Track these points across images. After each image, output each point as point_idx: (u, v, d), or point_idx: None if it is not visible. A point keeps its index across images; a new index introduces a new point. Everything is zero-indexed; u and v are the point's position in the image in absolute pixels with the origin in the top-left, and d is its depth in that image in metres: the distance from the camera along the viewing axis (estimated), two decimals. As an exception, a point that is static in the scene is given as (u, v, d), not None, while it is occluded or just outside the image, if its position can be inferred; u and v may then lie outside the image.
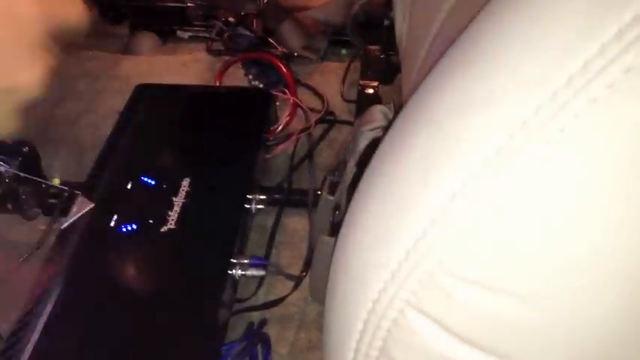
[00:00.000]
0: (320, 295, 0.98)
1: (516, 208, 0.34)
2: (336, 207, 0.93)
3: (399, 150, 0.41)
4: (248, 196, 1.03)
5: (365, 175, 0.47)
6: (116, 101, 1.33)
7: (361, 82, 1.22)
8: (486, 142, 0.34)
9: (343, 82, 1.38)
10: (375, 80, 1.20)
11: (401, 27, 0.83)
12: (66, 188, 1.10)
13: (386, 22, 1.31)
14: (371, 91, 1.18)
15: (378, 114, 0.91)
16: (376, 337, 0.40)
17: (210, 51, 1.51)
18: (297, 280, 0.99)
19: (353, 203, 0.47)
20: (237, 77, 1.40)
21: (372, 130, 0.89)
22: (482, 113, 0.34)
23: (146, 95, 1.23)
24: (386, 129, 0.89)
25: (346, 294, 0.44)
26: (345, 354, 0.43)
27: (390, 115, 0.90)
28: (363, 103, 1.17)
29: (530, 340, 0.37)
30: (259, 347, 0.90)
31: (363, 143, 0.90)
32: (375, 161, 0.46)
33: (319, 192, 1.12)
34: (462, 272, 0.36)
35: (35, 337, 0.81)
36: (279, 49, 1.42)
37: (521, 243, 0.34)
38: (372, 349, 0.41)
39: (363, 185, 0.46)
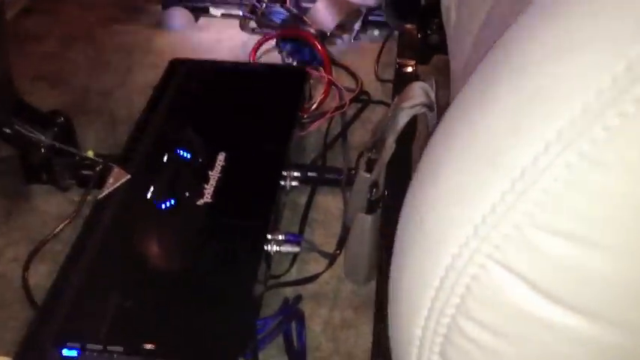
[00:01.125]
0: (355, 273, 0.98)
1: (619, 156, 0.32)
2: (374, 184, 0.92)
3: (484, 101, 0.39)
4: (282, 172, 1.02)
5: (440, 129, 0.45)
6: (150, 76, 1.34)
7: (398, 60, 1.21)
8: (589, 86, 0.32)
9: (377, 62, 1.36)
10: (412, 59, 1.19)
11: (447, 3, 0.82)
12: (100, 160, 1.10)
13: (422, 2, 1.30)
14: (409, 69, 1.17)
15: (418, 90, 0.90)
16: (454, 293, 0.39)
17: (243, 28, 1.50)
18: (332, 258, 0.99)
19: (425, 159, 0.45)
20: (271, 54, 1.39)
21: (413, 107, 0.89)
22: (584, 56, 0.33)
23: (180, 70, 1.22)
24: (428, 106, 0.88)
25: (421, 251, 0.42)
26: (418, 312, 0.42)
27: (432, 93, 0.89)
28: (400, 82, 1.16)
29: (617, 296, 0.35)
30: (293, 323, 0.90)
31: (403, 120, 0.89)
32: (452, 113, 0.44)
33: (353, 171, 1.12)
34: (554, 224, 0.35)
35: (68, 306, 0.82)
36: (313, 28, 1.41)
37: (620, 192, 0.33)
38: (449, 307, 0.40)
39: (438, 138, 0.44)
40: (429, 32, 1.21)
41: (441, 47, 1.25)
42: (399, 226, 0.47)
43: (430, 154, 0.44)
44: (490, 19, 0.59)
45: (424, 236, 0.41)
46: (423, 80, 0.90)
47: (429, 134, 0.91)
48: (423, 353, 0.43)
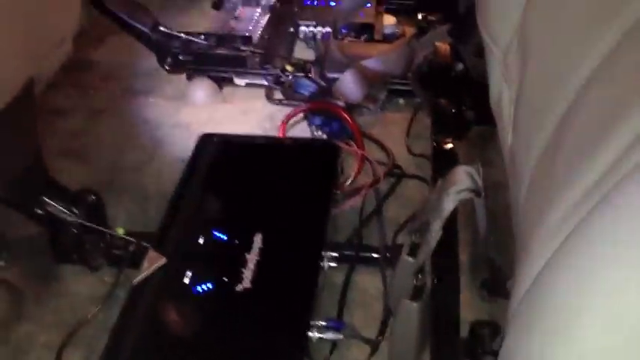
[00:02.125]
0: (404, 360, 0.95)
1: None
2: (419, 270, 0.90)
3: None
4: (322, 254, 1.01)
5: None
6: (178, 149, 1.33)
7: (434, 137, 1.20)
8: None
9: (407, 134, 1.36)
10: (448, 135, 1.18)
11: (499, 90, 0.81)
12: (133, 240, 1.08)
13: (452, 74, 1.30)
14: (450, 146, 1.16)
15: (463, 175, 0.89)
16: None
17: (269, 99, 1.50)
18: (374, 345, 0.96)
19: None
20: (300, 127, 1.39)
21: (459, 192, 0.87)
22: None
23: (211, 145, 1.22)
24: (474, 192, 0.87)
25: None
26: None
27: (477, 178, 0.88)
28: (439, 160, 1.15)
29: None
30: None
31: (449, 206, 0.87)
32: None
33: (390, 249, 1.10)
34: None
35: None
36: (341, 99, 1.41)
37: None
38: None
39: None
40: (463, 108, 1.21)
41: (478, 121, 1.26)
42: None
43: None
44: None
45: None
46: (466, 163, 0.89)
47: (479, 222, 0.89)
48: None
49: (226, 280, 0.93)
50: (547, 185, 0.55)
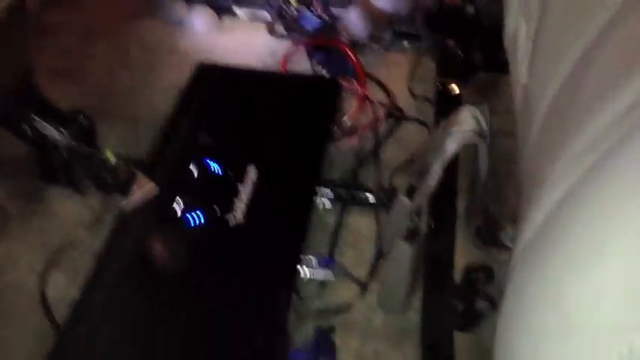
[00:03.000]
0: (390, 302, 0.94)
1: None
2: (415, 211, 0.88)
3: None
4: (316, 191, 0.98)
5: None
6: (173, 76, 1.28)
7: (439, 79, 1.17)
8: None
9: (410, 76, 1.32)
10: (453, 78, 1.14)
11: (515, 26, 0.77)
12: (122, 164, 1.05)
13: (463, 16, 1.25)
14: (454, 88, 1.13)
15: (468, 117, 0.85)
16: None
17: (272, 32, 1.45)
18: (364, 286, 0.95)
19: None
20: (301, 62, 1.35)
21: (462, 133, 0.84)
22: None
23: (208, 75, 1.18)
24: (479, 134, 0.84)
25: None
26: None
27: (483, 120, 0.85)
28: (442, 103, 1.11)
29: None
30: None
31: (451, 147, 0.84)
32: None
33: (385, 191, 1.08)
34: None
35: (91, 330, 0.77)
36: (345, 37, 1.36)
37: None
38: None
39: None
40: (471, 51, 1.17)
41: (484, 66, 1.22)
42: (523, 300, 0.43)
43: None
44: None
45: (572, 335, 0.37)
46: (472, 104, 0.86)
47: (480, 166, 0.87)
48: None
49: (217, 209, 0.91)
50: (566, 119, 0.52)
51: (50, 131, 1.06)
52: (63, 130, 1.07)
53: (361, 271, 0.98)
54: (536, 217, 0.48)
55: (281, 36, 1.44)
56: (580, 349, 0.37)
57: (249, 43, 1.43)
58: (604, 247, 0.37)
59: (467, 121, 0.83)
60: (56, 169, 1.09)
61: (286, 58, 1.31)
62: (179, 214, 0.90)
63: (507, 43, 0.81)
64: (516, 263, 0.48)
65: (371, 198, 1.07)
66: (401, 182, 1.05)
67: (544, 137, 0.57)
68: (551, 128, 0.56)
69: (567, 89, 0.55)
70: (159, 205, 0.92)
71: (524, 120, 0.69)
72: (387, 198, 1.04)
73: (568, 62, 0.55)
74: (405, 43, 1.48)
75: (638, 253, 0.36)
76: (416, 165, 0.91)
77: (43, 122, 1.06)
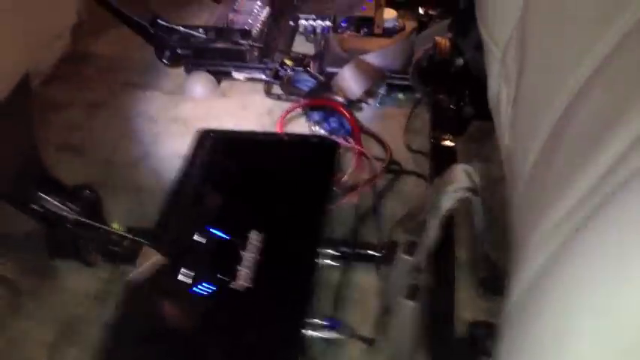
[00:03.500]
0: (398, 358, 0.95)
1: None
2: (416, 268, 0.90)
3: None
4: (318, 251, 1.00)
5: None
6: (176, 145, 1.32)
7: (433, 133, 1.19)
8: None
9: (406, 130, 1.35)
10: (446, 132, 1.17)
11: (497, 89, 0.80)
12: (129, 236, 1.08)
13: (453, 70, 1.28)
14: (448, 143, 1.15)
15: (461, 174, 0.88)
16: None
17: (268, 94, 1.49)
18: (370, 343, 0.96)
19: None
20: (298, 122, 1.38)
21: (456, 191, 0.87)
22: None
23: (209, 141, 1.21)
24: (472, 190, 0.86)
25: None
26: None
27: (475, 176, 0.87)
28: (437, 157, 1.14)
29: None
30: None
31: (446, 204, 0.86)
32: None
33: (386, 247, 1.10)
34: None
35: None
36: (340, 95, 1.40)
37: None
38: None
39: None
40: (462, 104, 1.20)
41: (476, 117, 1.25)
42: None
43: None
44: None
45: None
46: (464, 162, 0.88)
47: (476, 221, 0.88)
48: None
49: (222, 277, 0.93)
50: (543, 189, 0.54)
51: (56, 207, 1.09)
52: (69, 205, 1.10)
53: (367, 328, 0.99)
54: (518, 279, 0.50)
55: (278, 97, 1.48)
56: None
57: (247, 105, 1.47)
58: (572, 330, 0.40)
59: (459, 179, 0.85)
60: (64, 243, 1.12)
61: (283, 119, 1.35)
62: (184, 284, 0.92)
63: (491, 104, 0.84)
64: (504, 323, 0.49)
65: (373, 254, 1.08)
66: (401, 236, 1.07)
67: (525, 204, 0.59)
68: (530, 197, 0.58)
69: (544, 158, 0.57)
70: (164, 276, 0.94)
71: (510, 182, 0.71)
72: (388, 253, 1.06)
73: (545, 127, 0.58)
74: (400, 95, 1.52)
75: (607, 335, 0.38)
76: (413, 222, 0.93)
77: (49, 198, 1.09)
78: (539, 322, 0.43)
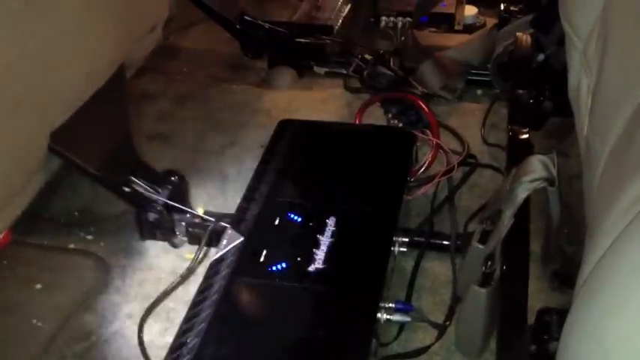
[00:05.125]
0: (467, 345, 0.97)
1: None
2: (488, 257, 0.91)
3: None
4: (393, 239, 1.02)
5: None
6: (259, 134, 1.38)
7: (511, 127, 1.20)
8: None
9: (484, 124, 1.36)
10: (524, 126, 1.17)
11: (577, 79, 0.81)
12: (213, 220, 1.13)
13: (533, 65, 1.28)
14: (525, 137, 1.16)
15: (538, 164, 0.89)
16: None
17: (348, 88, 1.53)
18: (442, 329, 0.98)
19: None
20: (376, 115, 1.41)
21: (533, 181, 0.88)
22: None
23: (289, 131, 1.25)
24: (549, 181, 0.87)
25: None
26: None
27: (552, 167, 0.88)
28: (514, 150, 1.15)
29: None
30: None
31: (522, 194, 0.88)
32: None
33: (461, 237, 1.11)
34: None
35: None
36: (419, 89, 1.42)
37: None
38: None
39: None
40: (541, 99, 1.20)
41: (555, 112, 1.24)
42: (570, 340, 0.46)
43: None
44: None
45: None
46: (542, 153, 0.89)
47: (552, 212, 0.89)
48: None
49: (299, 259, 0.97)
50: (620, 172, 0.55)
51: (147, 191, 1.16)
52: (158, 189, 1.17)
53: (438, 315, 1.01)
54: (590, 262, 0.52)
55: (357, 90, 1.51)
56: None
57: (326, 99, 1.51)
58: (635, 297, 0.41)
59: (536, 170, 0.86)
60: (153, 225, 1.19)
61: (361, 112, 1.38)
62: (264, 265, 0.96)
63: (571, 95, 0.85)
64: (573, 301, 0.51)
65: (447, 244, 1.10)
66: (476, 227, 1.08)
67: (601, 191, 0.60)
68: (607, 181, 0.59)
69: (622, 144, 0.58)
70: (245, 257, 0.99)
71: (587, 172, 0.72)
72: (462, 244, 1.08)
73: (623, 117, 0.59)
74: (479, 91, 1.53)
75: None
76: (487, 212, 0.94)
77: (140, 182, 1.16)
78: (609, 287, 0.45)
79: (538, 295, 1.00)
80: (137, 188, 1.15)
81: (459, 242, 1.09)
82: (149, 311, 1.05)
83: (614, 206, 0.52)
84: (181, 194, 1.21)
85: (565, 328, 0.49)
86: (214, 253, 1.02)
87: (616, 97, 0.64)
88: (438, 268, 1.10)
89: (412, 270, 1.09)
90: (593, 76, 0.74)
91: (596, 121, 0.70)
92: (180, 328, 0.91)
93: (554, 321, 0.82)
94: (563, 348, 0.48)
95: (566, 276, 1.02)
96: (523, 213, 0.89)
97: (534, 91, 1.23)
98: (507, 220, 0.86)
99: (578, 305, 0.49)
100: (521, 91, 1.25)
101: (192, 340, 0.87)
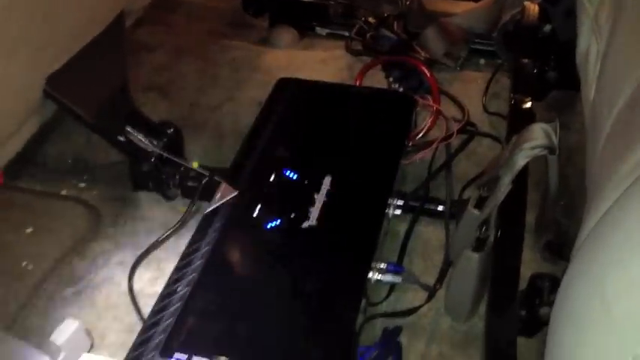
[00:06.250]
0: (456, 309, 0.97)
1: None
2: (483, 222, 0.91)
3: None
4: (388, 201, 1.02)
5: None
6: (257, 92, 1.36)
7: (513, 95, 1.19)
8: None
9: (485, 92, 1.35)
10: (527, 95, 1.16)
11: (587, 45, 0.80)
12: (207, 173, 1.12)
13: (539, 35, 1.27)
14: (527, 106, 1.15)
15: (540, 132, 0.88)
16: None
17: (349, 50, 1.51)
18: (431, 292, 0.98)
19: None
20: (377, 79, 1.39)
21: (533, 148, 0.87)
22: None
23: (288, 89, 1.24)
24: (549, 149, 0.86)
25: (606, 337, 0.43)
26: None
27: (553, 136, 0.87)
28: (515, 119, 1.14)
29: None
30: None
31: (521, 161, 0.87)
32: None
33: (456, 204, 1.11)
34: None
35: (175, 318, 0.84)
36: (422, 54, 1.40)
37: None
38: None
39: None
40: (546, 69, 1.19)
41: (559, 84, 1.24)
42: (570, 295, 0.46)
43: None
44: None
45: (611, 320, 0.41)
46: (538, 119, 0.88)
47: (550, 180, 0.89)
48: None
49: (293, 216, 0.96)
50: (624, 137, 0.55)
51: (141, 141, 1.14)
52: (154, 141, 1.15)
53: (429, 279, 1.01)
54: (590, 222, 0.51)
55: (359, 53, 1.49)
56: (620, 335, 0.40)
57: (327, 60, 1.49)
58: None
59: (538, 137, 0.85)
60: (146, 176, 1.18)
61: (362, 74, 1.36)
62: (258, 220, 0.96)
63: (579, 61, 0.84)
64: (572, 259, 0.51)
65: (441, 209, 1.10)
66: (472, 194, 1.08)
67: (606, 154, 0.60)
68: (612, 144, 0.59)
69: (628, 109, 0.58)
70: (239, 211, 0.98)
71: (591, 139, 0.71)
72: (457, 210, 1.07)
73: (632, 81, 0.58)
74: (482, 60, 1.51)
75: None
76: (485, 177, 0.93)
77: (136, 133, 1.15)
78: (612, 242, 0.44)
79: (529, 265, 1.00)
80: (132, 138, 1.14)
81: (453, 209, 1.08)
82: (140, 260, 1.05)
83: (617, 169, 0.52)
84: (176, 146, 1.20)
85: (564, 282, 0.49)
86: (207, 207, 1.01)
87: (627, 62, 0.63)
88: (431, 234, 1.10)
89: (405, 233, 1.09)
90: (603, 41, 0.73)
91: (604, 86, 0.69)
92: (171, 276, 0.91)
93: (546, 287, 0.83)
94: (562, 300, 0.48)
95: (559, 247, 1.02)
96: (521, 180, 0.89)
97: (539, 61, 1.22)
98: (505, 186, 0.86)
99: (580, 259, 0.48)
100: (525, 61, 1.23)
101: (183, 289, 0.87)
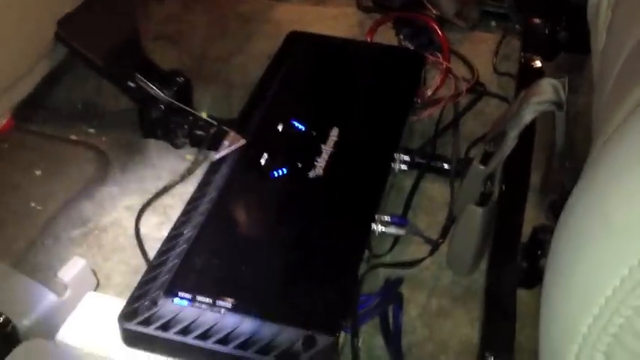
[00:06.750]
0: (458, 263, 0.98)
1: None
2: (488, 177, 0.91)
3: None
4: (394, 156, 1.03)
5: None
6: (266, 44, 1.36)
7: (523, 54, 1.19)
8: None
9: (496, 53, 1.34)
10: (537, 55, 1.16)
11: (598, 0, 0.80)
12: (215, 122, 1.13)
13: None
14: (537, 64, 1.14)
15: (548, 87, 0.88)
16: (635, 295, 0.40)
17: (360, 7, 1.50)
18: (435, 245, 0.99)
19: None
20: (387, 35, 1.39)
21: (541, 103, 0.87)
22: None
23: (298, 43, 1.24)
24: (557, 104, 0.86)
25: (604, 247, 0.43)
26: (587, 310, 0.42)
27: (562, 92, 0.87)
28: (524, 77, 1.14)
29: None
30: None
31: (528, 116, 0.87)
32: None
33: (462, 162, 1.12)
34: None
35: (180, 260, 0.85)
36: (433, 12, 1.40)
37: None
38: (625, 308, 0.40)
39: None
40: (557, 29, 1.18)
41: (569, 46, 1.23)
42: (571, 216, 0.47)
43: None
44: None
45: (610, 231, 0.41)
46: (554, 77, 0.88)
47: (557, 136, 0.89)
48: (584, 350, 0.43)
49: (300, 166, 0.97)
50: (634, 73, 0.55)
51: (151, 88, 1.15)
52: (163, 89, 1.16)
53: (433, 234, 1.02)
54: (594, 153, 0.52)
55: (370, 10, 1.48)
56: (618, 247, 0.41)
57: (338, 16, 1.49)
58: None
59: (546, 92, 0.86)
60: (155, 123, 1.18)
61: (373, 31, 1.36)
62: (264, 168, 0.97)
63: (590, 13, 0.84)
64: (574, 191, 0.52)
65: (447, 167, 1.11)
66: (478, 151, 1.08)
67: (613, 93, 0.60)
68: (620, 84, 0.59)
69: (635, 54, 0.58)
70: (246, 159, 0.99)
71: (599, 90, 0.72)
72: (462, 168, 1.08)
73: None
74: (493, 23, 1.50)
75: None
76: (491, 132, 0.94)
77: (146, 80, 1.15)
78: (615, 167, 0.45)
79: (532, 224, 1.00)
80: (142, 85, 1.15)
81: (459, 166, 1.09)
82: (147, 204, 1.06)
83: (624, 103, 0.52)
84: (186, 96, 1.20)
85: (566, 207, 0.50)
86: (215, 156, 1.02)
87: (636, 8, 0.63)
88: (436, 191, 1.11)
89: (410, 189, 1.09)
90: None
91: (614, 33, 0.69)
92: (178, 220, 0.92)
93: (548, 239, 0.83)
94: (562, 223, 0.49)
95: (561, 207, 1.03)
96: (528, 137, 0.89)
97: (550, 21, 1.21)
98: (511, 140, 0.86)
99: (582, 180, 0.49)
100: (537, 21, 1.23)
101: (189, 232, 0.88)
